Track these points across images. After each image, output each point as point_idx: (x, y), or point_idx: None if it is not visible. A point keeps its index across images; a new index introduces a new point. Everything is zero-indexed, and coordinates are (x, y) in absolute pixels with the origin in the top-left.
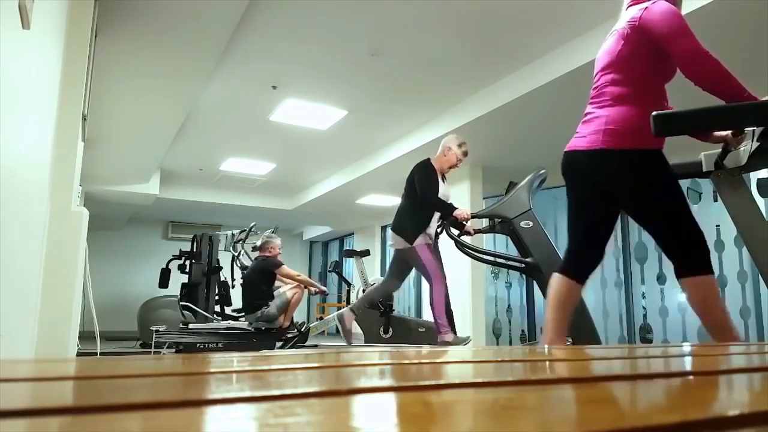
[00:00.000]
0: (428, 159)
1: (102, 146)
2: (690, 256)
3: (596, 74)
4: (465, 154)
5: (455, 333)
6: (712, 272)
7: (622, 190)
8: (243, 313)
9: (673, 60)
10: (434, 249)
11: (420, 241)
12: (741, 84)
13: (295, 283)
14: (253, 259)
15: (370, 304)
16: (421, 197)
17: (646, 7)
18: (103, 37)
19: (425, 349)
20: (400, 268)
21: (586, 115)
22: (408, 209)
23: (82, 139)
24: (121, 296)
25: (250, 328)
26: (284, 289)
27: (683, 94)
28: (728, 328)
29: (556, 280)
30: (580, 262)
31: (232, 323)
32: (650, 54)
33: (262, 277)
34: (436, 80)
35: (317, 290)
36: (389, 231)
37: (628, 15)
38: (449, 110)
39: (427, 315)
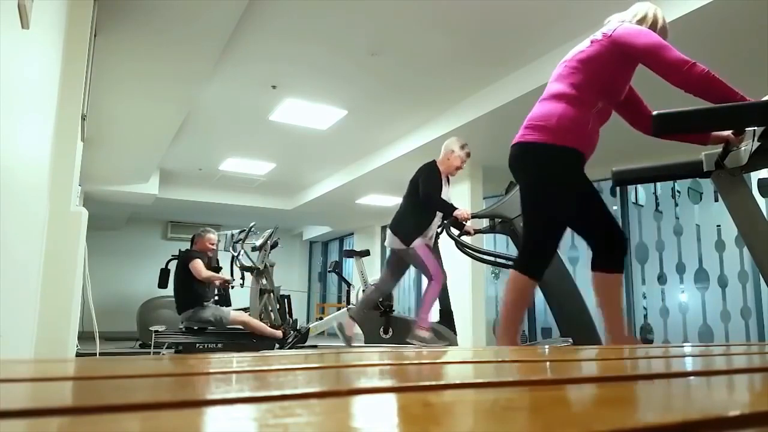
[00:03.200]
0: (434, 161)
1: (101, 146)
2: (526, 256)
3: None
4: (468, 155)
5: (456, 333)
6: (533, 278)
7: (523, 177)
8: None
9: (658, 72)
10: (434, 249)
11: (418, 242)
12: (731, 87)
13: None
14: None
15: (369, 306)
16: (423, 196)
17: (622, 23)
18: (102, 36)
19: (425, 349)
20: (396, 267)
21: None
22: (409, 210)
23: (81, 139)
24: (121, 296)
25: (181, 327)
26: (230, 311)
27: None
28: (513, 332)
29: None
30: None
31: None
32: (604, 67)
33: (183, 272)
34: (436, 80)
35: (221, 282)
36: (387, 230)
37: (606, 27)
38: (449, 110)
39: None
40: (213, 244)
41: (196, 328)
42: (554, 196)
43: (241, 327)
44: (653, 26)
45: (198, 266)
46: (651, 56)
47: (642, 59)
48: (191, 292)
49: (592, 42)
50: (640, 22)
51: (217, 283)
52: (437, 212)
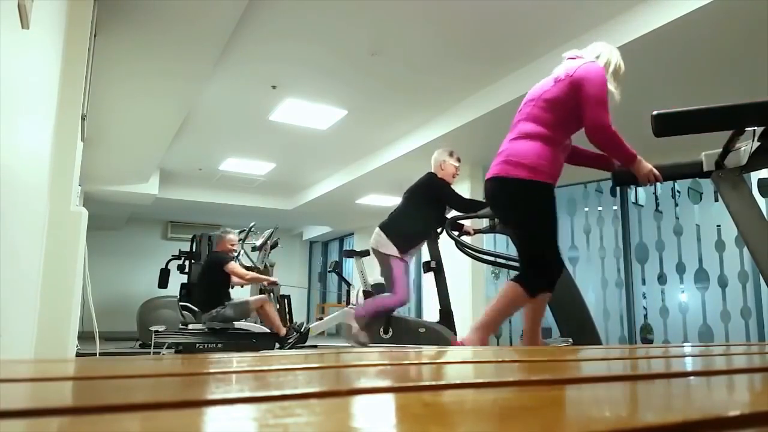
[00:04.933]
0: (434, 173)
1: (101, 146)
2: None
3: (522, 104)
4: (459, 160)
5: (456, 333)
6: (546, 290)
7: (511, 211)
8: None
9: (583, 122)
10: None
11: (405, 255)
12: (631, 149)
13: (260, 293)
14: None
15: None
16: (462, 209)
17: (584, 64)
18: (102, 36)
19: (425, 349)
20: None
21: (501, 147)
22: (417, 220)
23: (81, 139)
24: (121, 296)
25: (204, 328)
26: (248, 297)
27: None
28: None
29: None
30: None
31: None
32: (569, 106)
33: (211, 274)
34: (436, 80)
35: (268, 283)
36: (377, 229)
37: (568, 65)
38: (449, 110)
39: (428, 315)
40: (233, 245)
41: (218, 328)
42: (546, 225)
43: (242, 327)
44: (615, 72)
45: (238, 269)
46: (584, 106)
47: (582, 103)
48: (217, 292)
49: (555, 81)
50: (606, 66)
51: (266, 284)
52: (437, 229)
